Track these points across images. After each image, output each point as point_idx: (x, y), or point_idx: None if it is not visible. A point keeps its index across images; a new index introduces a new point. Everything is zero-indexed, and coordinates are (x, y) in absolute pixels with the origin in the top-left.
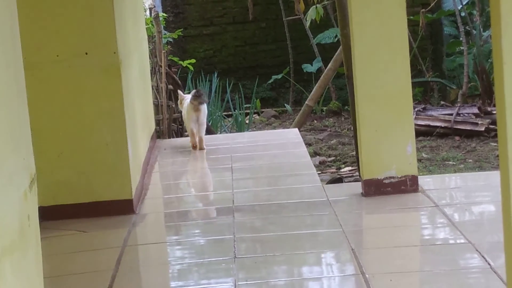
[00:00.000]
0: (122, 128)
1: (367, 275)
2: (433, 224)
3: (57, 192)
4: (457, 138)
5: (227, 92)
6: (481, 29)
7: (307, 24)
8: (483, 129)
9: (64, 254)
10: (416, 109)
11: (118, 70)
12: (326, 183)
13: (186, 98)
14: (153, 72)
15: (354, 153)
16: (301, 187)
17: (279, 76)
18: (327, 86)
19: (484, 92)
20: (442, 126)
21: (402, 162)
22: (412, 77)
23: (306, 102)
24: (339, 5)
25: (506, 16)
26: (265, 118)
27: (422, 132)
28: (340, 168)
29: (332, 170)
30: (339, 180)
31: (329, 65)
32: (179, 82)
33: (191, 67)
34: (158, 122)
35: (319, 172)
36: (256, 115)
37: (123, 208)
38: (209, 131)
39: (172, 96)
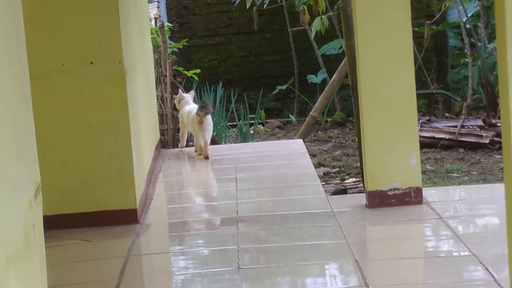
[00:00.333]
0: (127, 138)
1: (370, 287)
2: (437, 236)
3: (61, 201)
4: (461, 150)
5: (231, 102)
6: (486, 41)
7: (312, 35)
8: (487, 141)
9: (68, 264)
10: (420, 121)
11: (123, 80)
12: (330, 194)
13: (187, 101)
14: (158, 82)
15: (358, 164)
16: (305, 198)
17: (284, 87)
18: (331, 97)
19: (489, 104)
20: (447, 138)
21: (407, 174)
22: (417, 88)
23: (310, 113)
24: (344, 16)
25: (511, 29)
26: (270, 128)
27: (426, 144)
28: (344, 179)
29: (336, 181)
30: (343, 191)
31: (334, 76)
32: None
33: (196, 77)
34: (162, 132)
35: (323, 183)
36: (260, 125)
37: (127, 217)
38: (213, 141)
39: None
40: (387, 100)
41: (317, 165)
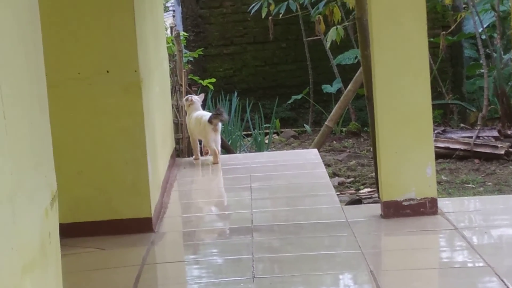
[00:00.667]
0: (142, 146)
1: None
2: (452, 247)
3: (76, 210)
4: (476, 161)
5: (246, 112)
6: (502, 52)
7: (328, 44)
8: (503, 152)
9: (83, 272)
10: (435, 132)
11: (139, 89)
12: (345, 204)
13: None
14: (173, 90)
15: (373, 174)
16: (320, 207)
17: (299, 97)
18: (346, 107)
19: (504, 115)
20: (462, 148)
21: (422, 184)
22: (432, 99)
23: (325, 123)
24: (360, 26)
25: None
26: (285, 138)
27: (441, 155)
28: (359, 189)
29: (351, 191)
30: (358, 201)
31: (349, 86)
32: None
33: (211, 86)
34: (177, 141)
35: (338, 193)
36: (275, 135)
37: (142, 226)
38: (228, 151)
39: None
40: (403, 110)
41: (332, 175)
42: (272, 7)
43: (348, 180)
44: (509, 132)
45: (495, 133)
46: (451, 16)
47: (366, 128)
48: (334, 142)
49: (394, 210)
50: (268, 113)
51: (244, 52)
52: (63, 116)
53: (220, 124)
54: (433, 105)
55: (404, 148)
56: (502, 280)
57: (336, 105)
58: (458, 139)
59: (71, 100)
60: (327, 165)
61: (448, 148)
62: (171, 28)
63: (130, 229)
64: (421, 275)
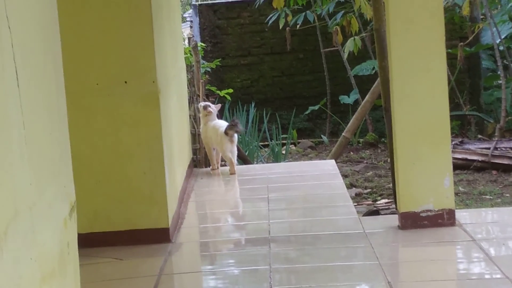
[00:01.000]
0: (160, 157)
1: None
2: (470, 259)
3: (94, 220)
4: (494, 172)
5: (264, 122)
6: None
7: (345, 55)
8: None
9: (101, 282)
10: (453, 143)
11: (157, 99)
12: (363, 215)
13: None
14: (191, 101)
15: (390, 185)
16: (337, 218)
17: (316, 107)
18: (364, 118)
19: None
20: (479, 160)
21: (439, 196)
22: (450, 110)
23: (343, 134)
24: (377, 37)
25: None
26: (302, 149)
27: (459, 166)
28: (376, 200)
29: (368, 202)
30: (375, 212)
31: (367, 97)
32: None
33: (228, 97)
34: (195, 151)
35: (355, 204)
36: (292, 145)
37: (160, 236)
38: (245, 161)
39: None
40: (420, 122)
41: (349, 186)
42: (289, 18)
43: (366, 191)
44: None
45: None
46: (469, 27)
47: (383, 139)
48: (351, 153)
49: (411, 221)
50: (285, 123)
51: (261, 63)
52: (81, 126)
53: (236, 135)
54: (450, 116)
55: (422, 159)
56: None
57: (354, 116)
58: (476, 150)
59: (89, 110)
60: (344, 176)
61: (466, 159)
62: (189, 38)
63: (148, 239)
64: (439, 287)
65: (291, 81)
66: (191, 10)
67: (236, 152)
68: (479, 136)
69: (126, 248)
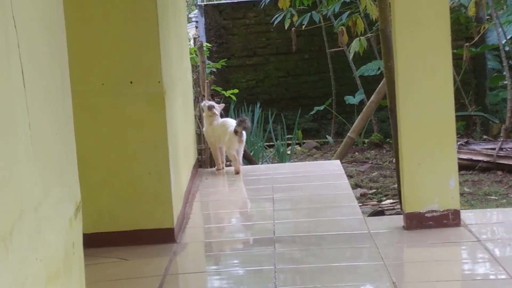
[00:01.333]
0: (165, 157)
1: None
2: (475, 259)
3: (99, 220)
4: (499, 172)
5: (269, 123)
6: None
7: (350, 56)
8: None
9: (106, 282)
10: (458, 143)
11: (162, 100)
12: (367, 216)
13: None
14: (196, 101)
15: (395, 185)
16: (342, 219)
17: (321, 108)
18: (369, 118)
19: None
20: (485, 160)
21: (445, 196)
22: (455, 110)
23: (348, 134)
24: (383, 37)
25: None
26: (307, 149)
27: (464, 166)
28: (381, 201)
29: (373, 203)
30: (380, 212)
31: (372, 97)
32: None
33: (233, 97)
34: (200, 152)
35: (360, 204)
36: (297, 146)
37: (165, 237)
38: (250, 161)
39: None
40: (426, 122)
41: (354, 186)
42: (295, 18)
43: (371, 191)
44: None
45: None
46: (475, 27)
47: (388, 140)
48: (357, 153)
49: (416, 221)
50: (290, 124)
51: (266, 63)
52: (87, 126)
53: (244, 135)
54: (456, 116)
55: (427, 160)
56: None
57: (359, 117)
58: (481, 150)
59: (95, 110)
60: (349, 176)
61: (471, 160)
62: (194, 39)
63: (153, 239)
64: (444, 287)
65: (296, 81)
66: (196, 10)
67: (242, 152)
68: (485, 136)
69: (131, 248)
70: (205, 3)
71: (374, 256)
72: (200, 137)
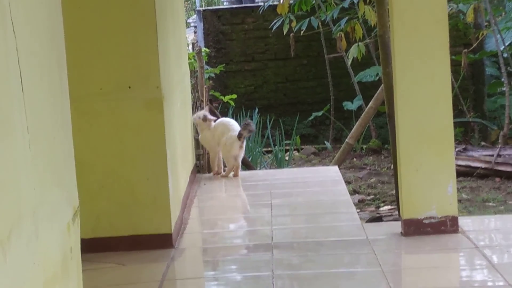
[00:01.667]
0: (163, 162)
1: None
2: (473, 266)
3: (97, 225)
4: (497, 179)
5: (267, 128)
6: None
7: (349, 61)
8: None
9: (103, 287)
10: (456, 150)
11: (161, 105)
12: (365, 222)
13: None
14: (195, 106)
15: (393, 192)
16: (340, 225)
17: (320, 113)
18: (367, 124)
19: None
20: (483, 167)
21: (443, 203)
22: (453, 117)
23: (346, 140)
24: (381, 43)
25: None
26: (305, 155)
27: (462, 173)
28: (379, 207)
29: (371, 209)
30: (378, 219)
31: (370, 103)
32: (220, 117)
33: (232, 103)
34: (198, 157)
35: (358, 210)
36: (296, 151)
37: (163, 242)
38: (248, 167)
39: None
40: (424, 128)
41: (352, 192)
42: (293, 24)
43: (369, 197)
44: None
45: None
46: (473, 34)
47: (386, 146)
48: (355, 159)
49: (414, 228)
50: (288, 129)
51: (265, 69)
52: (85, 131)
53: (244, 142)
54: (454, 123)
55: (425, 166)
56: None
57: (357, 123)
58: (479, 157)
59: (93, 115)
60: (348, 182)
61: (469, 166)
62: (193, 44)
63: (150, 244)
64: None
65: (294, 87)
66: (195, 15)
67: (241, 157)
68: (483, 143)
69: (128, 254)
70: (203, 8)
71: (372, 262)
72: (198, 143)
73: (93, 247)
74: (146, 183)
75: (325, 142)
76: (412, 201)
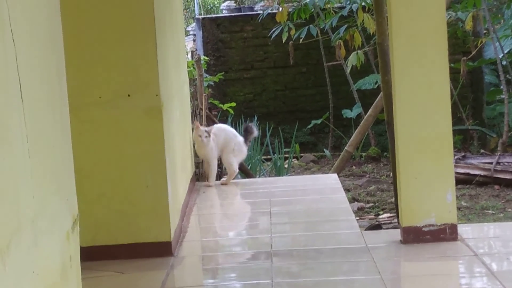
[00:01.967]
0: (163, 171)
1: None
2: (472, 273)
3: (96, 233)
4: (496, 187)
5: (266, 136)
6: None
7: (348, 69)
8: None
9: None
10: (455, 157)
11: (160, 113)
12: (365, 230)
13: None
14: (194, 114)
15: (392, 199)
16: (339, 233)
17: (319, 121)
18: (366, 132)
19: None
20: (482, 174)
21: (442, 210)
22: (452, 124)
23: (345, 148)
24: (380, 51)
25: None
26: (304, 162)
27: (461, 180)
28: (378, 215)
29: (370, 217)
30: (377, 226)
31: (369, 111)
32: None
33: (231, 111)
34: (197, 165)
35: (358, 218)
36: (295, 159)
37: (162, 250)
38: (248, 175)
39: None
40: (423, 136)
41: (352, 200)
42: (292, 32)
43: (368, 205)
44: None
45: None
46: (472, 41)
47: (386, 153)
48: (354, 167)
49: (414, 236)
50: (287, 137)
51: (264, 77)
52: (84, 139)
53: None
54: (453, 130)
55: (424, 174)
56: None
57: (356, 130)
58: (478, 165)
59: (92, 123)
60: (347, 190)
61: (468, 174)
62: (192, 52)
63: (150, 253)
64: None
65: (294, 95)
66: (194, 23)
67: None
68: (482, 150)
69: (128, 262)
70: (202, 16)
71: (371, 270)
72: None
73: (92, 255)
74: (146, 191)
75: (324, 150)
76: (411, 209)
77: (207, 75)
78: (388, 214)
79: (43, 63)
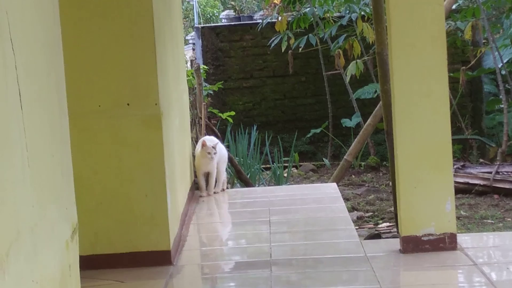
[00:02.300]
0: (162, 179)
1: None
2: (471, 283)
3: (95, 242)
4: (496, 196)
5: (265, 145)
6: None
7: (347, 79)
8: None
9: None
10: (455, 167)
11: (159, 122)
12: (364, 239)
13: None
14: (193, 123)
15: (392, 209)
16: (339, 242)
17: (318, 130)
18: (365, 141)
19: None
20: (481, 184)
21: (441, 220)
22: (451, 134)
23: (344, 157)
24: (380, 60)
25: None
26: (303, 172)
27: (460, 190)
28: (377, 224)
29: (369, 226)
30: (377, 236)
31: (369, 120)
32: (219, 134)
33: (230, 120)
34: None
35: (357, 227)
36: (294, 168)
37: (161, 259)
38: (247, 184)
39: None
40: (422, 145)
41: (351, 209)
42: (292, 41)
43: (367, 214)
44: None
45: None
46: (471, 51)
47: (385, 163)
48: (353, 176)
49: (413, 245)
50: (287, 146)
51: (263, 86)
52: (83, 148)
53: None
54: (452, 140)
55: (424, 183)
56: None
57: (355, 139)
58: (478, 174)
59: (91, 132)
60: (346, 199)
61: (468, 183)
62: (191, 61)
63: (149, 261)
64: None
65: (293, 104)
66: (193, 32)
67: None
68: (481, 160)
69: (127, 271)
70: (202, 25)
71: (371, 280)
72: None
73: (91, 264)
74: (145, 200)
75: (324, 159)
76: (411, 218)
77: (206, 84)
78: (388, 224)
79: (43, 72)
